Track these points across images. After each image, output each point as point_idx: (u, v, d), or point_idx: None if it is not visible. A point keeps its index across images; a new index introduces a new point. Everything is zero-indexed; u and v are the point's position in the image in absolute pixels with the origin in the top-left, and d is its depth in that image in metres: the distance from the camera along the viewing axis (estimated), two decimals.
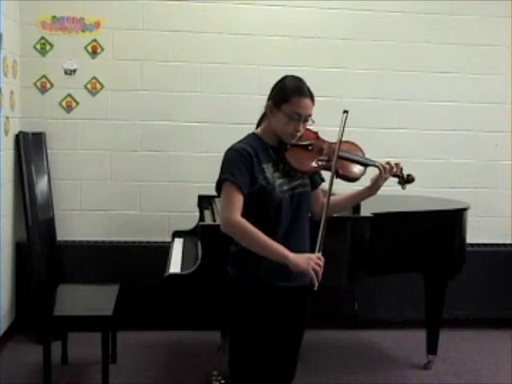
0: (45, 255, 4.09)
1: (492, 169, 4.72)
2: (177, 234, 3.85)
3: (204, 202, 3.93)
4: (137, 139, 4.39)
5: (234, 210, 2.18)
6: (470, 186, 4.69)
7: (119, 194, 4.40)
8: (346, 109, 2.30)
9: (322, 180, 2.49)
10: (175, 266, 3.10)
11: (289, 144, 2.30)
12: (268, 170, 2.26)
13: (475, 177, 4.71)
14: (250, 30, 4.41)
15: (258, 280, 2.26)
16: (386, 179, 2.40)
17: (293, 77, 2.32)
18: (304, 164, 2.31)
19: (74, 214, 4.37)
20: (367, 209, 3.27)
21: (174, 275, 2.95)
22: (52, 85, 4.28)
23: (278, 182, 2.26)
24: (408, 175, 2.51)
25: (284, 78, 2.32)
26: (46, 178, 4.24)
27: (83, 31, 4.28)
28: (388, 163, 2.40)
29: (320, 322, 3.79)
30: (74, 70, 4.29)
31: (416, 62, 4.57)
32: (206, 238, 3.00)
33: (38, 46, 4.25)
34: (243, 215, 2.19)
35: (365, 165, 2.43)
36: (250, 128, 2.43)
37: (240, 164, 2.21)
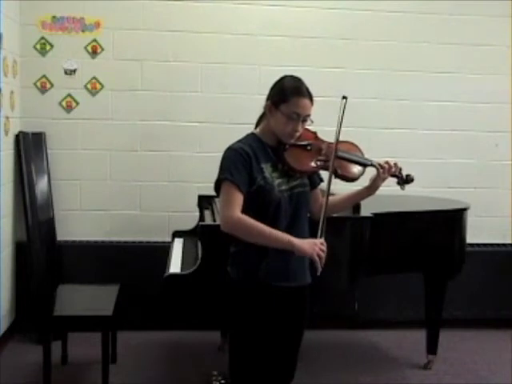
0: (45, 255, 4.09)
1: (492, 169, 4.72)
2: (177, 234, 3.85)
3: (204, 202, 3.93)
4: (137, 139, 4.40)
5: (233, 208, 2.18)
6: (469, 186, 4.69)
7: (119, 194, 4.40)
8: (345, 95, 2.29)
9: (321, 180, 2.49)
10: (175, 266, 3.10)
11: (287, 144, 2.30)
12: (267, 169, 2.26)
13: (475, 177, 4.71)
14: (250, 30, 4.41)
15: (257, 280, 2.26)
16: (384, 179, 2.39)
17: (292, 77, 2.32)
18: (303, 164, 2.31)
19: (74, 214, 4.37)
20: (367, 209, 3.27)
21: (174, 275, 2.95)
22: (52, 85, 4.28)
23: (277, 181, 2.26)
24: (407, 175, 2.51)
25: (283, 78, 2.32)
26: (45, 178, 4.24)
27: (83, 31, 4.28)
28: (387, 163, 2.40)
29: (320, 322, 3.80)
30: (74, 70, 4.29)
31: (416, 62, 4.57)
32: (206, 237, 3.00)
33: (38, 46, 4.25)
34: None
35: (363, 165, 2.43)
36: (250, 128, 2.43)
37: (238, 163, 2.21)
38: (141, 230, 4.41)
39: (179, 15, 4.35)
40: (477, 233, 4.51)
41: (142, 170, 4.41)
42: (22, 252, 4.19)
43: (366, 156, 2.48)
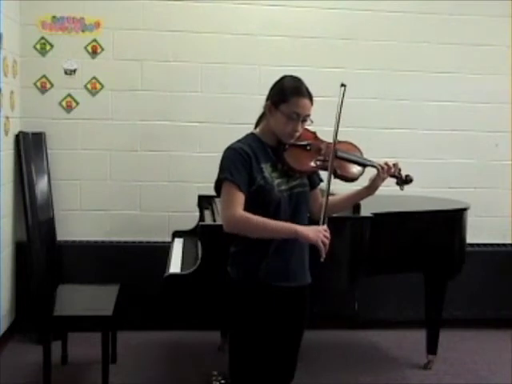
0: (45, 255, 4.09)
1: (492, 169, 4.72)
2: (177, 234, 3.85)
3: (204, 202, 3.93)
4: (137, 139, 4.40)
5: (235, 208, 2.18)
6: (469, 186, 4.69)
7: (119, 194, 4.40)
8: (344, 83, 2.29)
9: (321, 180, 2.49)
10: (175, 266, 3.10)
11: (287, 144, 2.30)
12: (266, 169, 2.26)
13: (475, 177, 4.71)
14: (250, 30, 4.41)
15: (257, 280, 2.26)
16: (384, 179, 2.40)
17: (291, 77, 2.32)
18: (302, 164, 2.31)
19: (74, 214, 4.37)
20: (367, 209, 3.27)
21: (174, 275, 2.95)
22: (52, 85, 4.28)
23: (277, 181, 2.26)
24: (406, 176, 2.51)
25: (283, 78, 2.32)
26: (45, 178, 4.24)
27: (83, 31, 4.28)
28: (386, 163, 2.40)
29: (320, 321, 3.80)
30: (74, 70, 4.29)
31: (416, 62, 4.57)
32: (206, 237, 3.00)
33: (38, 46, 4.25)
34: None
35: (363, 165, 2.43)
36: (250, 128, 2.43)
37: (238, 163, 2.21)
38: (141, 230, 4.41)
39: (179, 15, 4.35)
40: (477, 233, 4.51)
41: (142, 170, 4.41)
42: (22, 252, 4.19)
43: (366, 156, 2.48)
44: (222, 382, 3.30)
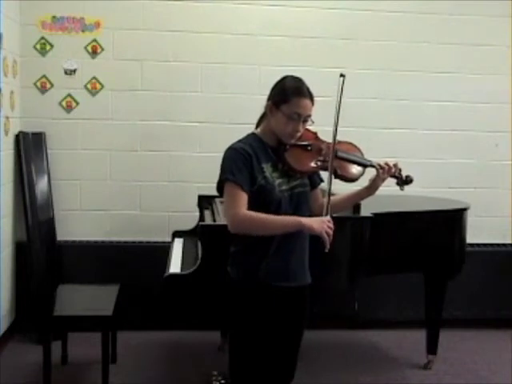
0: (45, 255, 4.09)
1: (492, 169, 4.72)
2: (177, 234, 3.85)
3: (204, 201, 3.93)
4: (137, 139, 4.40)
5: (238, 208, 2.18)
6: (469, 186, 4.69)
7: (119, 194, 4.40)
8: (343, 73, 2.29)
9: (321, 180, 2.49)
10: (175, 266, 3.10)
11: (288, 144, 2.30)
12: (267, 169, 2.26)
13: (475, 177, 4.71)
14: (250, 30, 4.41)
15: (257, 280, 2.26)
16: (383, 180, 2.40)
17: (292, 77, 2.32)
18: (303, 164, 2.32)
19: (74, 214, 4.37)
20: (367, 209, 3.27)
21: (174, 275, 2.95)
22: (52, 85, 4.28)
23: (278, 181, 2.26)
24: (406, 176, 2.51)
25: (284, 79, 2.32)
26: (45, 178, 4.24)
27: (83, 31, 4.28)
28: (386, 164, 2.40)
29: (320, 322, 3.80)
30: (74, 70, 4.29)
31: (416, 62, 4.57)
32: (206, 238, 3.00)
33: (38, 46, 4.25)
34: None
35: (363, 165, 2.43)
36: (250, 128, 2.43)
37: (239, 163, 2.21)
38: (141, 230, 4.41)
39: (179, 15, 4.35)
40: (477, 233, 4.51)
41: (142, 170, 4.41)
42: (22, 252, 4.19)
43: (366, 156, 2.48)
44: (222, 382, 3.30)
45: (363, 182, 2.45)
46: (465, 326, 4.58)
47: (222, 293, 2.40)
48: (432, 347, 3.89)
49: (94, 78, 4.31)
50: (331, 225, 2.18)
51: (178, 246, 3.61)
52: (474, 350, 4.25)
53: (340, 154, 2.38)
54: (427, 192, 4.37)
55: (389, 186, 2.54)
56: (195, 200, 4.03)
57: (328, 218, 2.20)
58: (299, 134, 2.29)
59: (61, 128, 4.31)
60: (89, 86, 4.31)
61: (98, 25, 4.29)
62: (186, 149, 4.43)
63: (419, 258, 3.63)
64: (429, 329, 3.89)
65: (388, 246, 3.46)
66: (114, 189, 4.39)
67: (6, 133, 3.95)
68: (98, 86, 4.32)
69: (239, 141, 2.31)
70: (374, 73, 4.54)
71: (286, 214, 2.26)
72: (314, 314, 2.52)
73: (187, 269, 2.98)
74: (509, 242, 4.77)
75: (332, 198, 2.37)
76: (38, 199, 4.13)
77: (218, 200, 3.72)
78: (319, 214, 2.29)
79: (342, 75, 2.29)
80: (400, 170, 2.49)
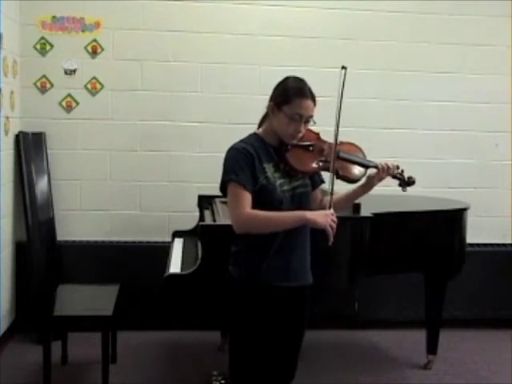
0: (45, 255, 4.09)
1: (492, 169, 4.72)
2: (177, 234, 3.85)
3: (204, 201, 3.93)
4: (137, 139, 4.40)
5: (242, 207, 2.18)
6: (469, 186, 4.69)
7: (119, 194, 4.40)
8: (345, 66, 2.29)
9: (322, 181, 2.49)
10: (175, 266, 3.10)
11: (290, 144, 2.30)
12: (269, 169, 2.26)
13: (475, 177, 4.71)
14: (250, 30, 4.41)
15: (258, 280, 2.26)
16: (380, 179, 2.40)
17: (295, 78, 2.32)
18: (304, 164, 2.31)
19: (74, 214, 4.37)
20: (367, 209, 3.28)
21: (174, 275, 2.95)
22: (52, 85, 4.28)
23: (279, 181, 2.26)
24: (409, 177, 2.51)
25: (286, 79, 2.32)
26: (45, 178, 4.24)
27: (83, 31, 4.28)
28: (386, 164, 2.40)
29: (320, 321, 3.80)
30: (74, 70, 4.29)
31: (416, 62, 4.57)
32: (206, 237, 3.00)
33: (38, 46, 4.25)
34: None
35: (365, 166, 2.42)
36: (251, 128, 2.43)
37: (242, 162, 2.21)
38: (141, 230, 4.41)
39: (179, 15, 4.35)
40: (477, 233, 4.51)
41: (142, 170, 4.41)
42: (22, 252, 4.19)
43: (368, 156, 2.48)
44: (222, 382, 3.31)
45: None
46: (465, 326, 4.58)
47: (222, 293, 2.40)
48: (432, 347, 3.89)
49: (94, 77, 4.31)
50: (335, 218, 2.19)
51: (178, 245, 3.61)
52: (473, 350, 4.25)
53: (342, 154, 2.38)
54: (427, 192, 4.36)
55: (389, 186, 2.54)
56: (195, 200, 4.02)
57: (331, 211, 2.20)
58: (301, 135, 2.29)
59: (61, 128, 4.31)
60: (89, 86, 4.31)
61: (97, 25, 4.29)
62: (186, 149, 4.43)
63: (419, 258, 3.63)
64: (429, 329, 3.89)
65: (388, 246, 3.46)
66: (113, 189, 4.39)
67: (6, 133, 3.95)
68: (98, 85, 4.32)
69: (241, 141, 2.31)
70: (374, 73, 4.54)
71: None
72: (314, 314, 2.52)
73: (187, 269, 2.98)
74: (509, 242, 4.77)
75: (329, 198, 2.37)
76: (38, 199, 4.13)
77: (217, 200, 3.72)
78: None
79: (343, 67, 2.29)
80: (402, 171, 2.49)
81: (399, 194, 2.69)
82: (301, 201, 2.31)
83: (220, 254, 2.47)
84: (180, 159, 4.43)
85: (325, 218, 2.16)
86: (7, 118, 3.95)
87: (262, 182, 2.23)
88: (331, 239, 2.15)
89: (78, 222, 4.38)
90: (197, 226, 3.63)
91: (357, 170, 2.42)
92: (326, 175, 2.36)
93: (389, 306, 4.61)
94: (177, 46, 4.37)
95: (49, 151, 4.28)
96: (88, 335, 3.61)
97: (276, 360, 2.35)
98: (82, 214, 4.38)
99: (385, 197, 3.90)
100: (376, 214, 3.32)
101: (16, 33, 4.16)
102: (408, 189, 2.52)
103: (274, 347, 2.33)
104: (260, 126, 2.41)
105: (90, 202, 4.38)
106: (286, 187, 2.28)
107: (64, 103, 4.30)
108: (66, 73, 4.29)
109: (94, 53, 4.30)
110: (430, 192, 4.40)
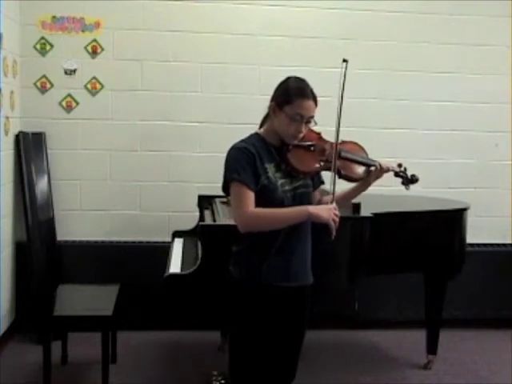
0: (45, 255, 4.09)
1: (492, 169, 4.72)
2: (177, 234, 3.85)
3: (204, 201, 3.93)
4: (137, 139, 4.40)
5: (246, 206, 2.19)
6: (469, 186, 4.69)
7: (119, 194, 4.40)
8: (346, 59, 2.29)
9: (322, 182, 2.49)
10: (175, 266, 3.10)
11: (291, 144, 2.30)
12: (270, 169, 2.26)
13: (475, 177, 4.71)
14: (250, 30, 4.41)
15: (259, 280, 2.26)
16: (377, 177, 2.40)
17: (296, 78, 2.32)
18: (306, 165, 2.31)
19: (74, 214, 4.37)
20: (367, 209, 3.27)
21: (174, 275, 2.95)
22: (52, 85, 4.28)
23: (280, 182, 2.26)
24: (412, 175, 2.51)
25: (287, 79, 2.32)
26: (45, 178, 4.24)
27: (83, 31, 4.28)
28: (385, 164, 2.40)
29: (320, 322, 3.80)
30: (74, 70, 4.29)
31: (416, 62, 4.57)
32: (206, 237, 3.00)
33: (38, 46, 4.25)
34: None
35: (367, 165, 2.42)
36: (251, 128, 2.43)
37: (243, 162, 2.21)
38: (141, 230, 4.41)
39: (179, 15, 4.35)
40: (477, 233, 4.51)
41: (142, 170, 4.41)
42: (22, 252, 4.19)
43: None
44: (222, 382, 3.31)
45: None
46: (465, 326, 4.58)
47: (222, 293, 2.40)
48: (432, 347, 3.89)
49: (94, 78, 4.31)
50: (337, 212, 2.20)
51: (178, 245, 3.61)
52: (474, 350, 4.25)
53: (344, 154, 2.38)
54: (427, 192, 4.36)
55: (389, 186, 2.54)
56: (195, 200, 4.02)
57: (334, 205, 2.21)
58: (302, 135, 2.29)
59: (61, 128, 4.31)
60: (89, 86, 4.31)
61: (97, 25, 4.29)
62: (186, 149, 4.43)
63: (419, 258, 3.63)
64: (429, 329, 3.89)
65: (388, 246, 3.46)
66: (114, 189, 4.39)
67: (6, 133, 3.95)
68: (98, 85, 4.32)
69: (242, 140, 2.31)
70: (374, 73, 4.54)
71: None
72: (314, 314, 2.52)
73: (187, 269, 2.98)
74: (509, 241, 4.77)
75: (328, 197, 2.37)
76: (38, 199, 4.13)
77: (217, 200, 3.72)
78: None
79: (344, 60, 2.29)
80: (405, 169, 2.49)
81: (399, 194, 2.70)
82: (302, 201, 2.30)
83: (220, 254, 2.47)
84: (180, 159, 4.43)
85: (327, 212, 2.17)
86: (7, 118, 3.95)
87: (264, 181, 2.23)
88: (334, 233, 2.16)
89: (78, 222, 4.38)
90: (197, 226, 3.63)
91: (359, 169, 2.42)
92: (327, 175, 2.36)
93: (389, 306, 4.61)
94: (177, 45, 4.37)
95: (49, 151, 4.28)
96: (88, 335, 3.61)
97: (276, 360, 2.35)
98: (82, 214, 4.38)
99: (385, 197, 3.90)
100: (376, 214, 3.32)
101: (16, 33, 4.16)
102: (411, 187, 2.52)
103: (274, 347, 2.33)
104: (261, 125, 2.41)
105: (90, 202, 4.38)
106: (287, 187, 2.28)
107: (64, 103, 4.30)
108: (66, 73, 4.29)
109: (94, 53, 4.30)
110: (429, 192, 4.40)
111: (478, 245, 4.66)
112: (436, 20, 4.56)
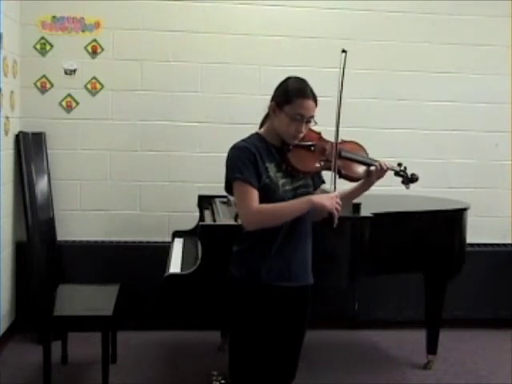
0: (45, 255, 4.09)
1: (492, 169, 4.73)
2: (177, 234, 3.85)
3: (204, 202, 3.92)
4: (137, 139, 4.40)
5: (250, 204, 2.19)
6: (469, 186, 4.69)
7: (119, 194, 4.40)
8: (345, 49, 2.29)
9: (323, 182, 2.49)
10: (175, 266, 3.10)
11: (291, 144, 2.30)
12: (271, 169, 2.26)
13: (475, 177, 4.71)
14: (250, 30, 4.41)
15: (259, 280, 2.26)
16: (379, 177, 2.39)
17: (296, 78, 2.32)
18: (306, 164, 2.31)
19: (74, 214, 4.37)
20: (367, 209, 3.27)
21: (174, 275, 2.95)
22: (52, 85, 4.28)
23: (281, 181, 2.27)
24: (412, 174, 2.51)
25: (287, 79, 2.32)
26: (45, 178, 4.24)
27: (83, 31, 4.28)
28: (385, 163, 2.40)
29: (320, 321, 3.79)
30: (74, 70, 4.29)
31: (416, 62, 4.57)
32: (205, 237, 3.00)
33: (38, 46, 4.25)
34: None
35: (368, 165, 2.42)
36: (251, 128, 2.43)
37: (245, 160, 2.21)
38: (141, 230, 4.41)
39: (179, 15, 4.35)
40: (477, 233, 4.51)
41: (142, 170, 4.41)
42: (22, 252, 4.19)
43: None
44: (222, 382, 3.31)
45: None
46: (465, 326, 4.58)
47: (222, 293, 2.40)
48: (432, 347, 3.89)
49: (94, 78, 4.31)
50: (339, 200, 2.20)
51: (178, 245, 3.61)
52: (473, 350, 4.25)
53: (344, 153, 2.38)
54: (427, 192, 4.36)
55: (389, 186, 2.54)
56: (195, 200, 4.02)
57: (336, 193, 2.22)
58: (302, 135, 2.29)
59: (61, 128, 4.31)
60: (89, 86, 4.31)
61: (98, 25, 4.29)
62: (186, 149, 4.43)
63: (419, 258, 3.63)
64: (429, 329, 3.89)
65: (388, 246, 3.46)
66: (113, 189, 4.39)
67: (6, 133, 3.95)
68: (98, 85, 4.32)
69: (243, 140, 2.31)
70: (374, 73, 4.54)
71: None
72: (314, 314, 2.52)
73: (187, 269, 2.98)
74: (509, 241, 4.77)
75: None
76: (38, 199, 4.13)
77: (217, 200, 3.72)
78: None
79: (343, 51, 2.29)
80: (405, 168, 2.49)
81: (399, 194, 2.69)
82: None
83: (220, 254, 2.47)
84: (180, 159, 4.43)
85: (330, 200, 2.18)
86: (7, 118, 3.95)
87: (265, 181, 2.23)
88: (336, 221, 2.17)
89: (78, 222, 4.38)
90: (197, 226, 3.63)
91: (360, 168, 2.42)
92: (328, 174, 2.36)
93: (389, 306, 4.61)
94: (177, 45, 4.37)
95: (49, 151, 4.28)
96: (88, 335, 3.61)
97: (276, 360, 2.35)
98: (82, 214, 4.38)
99: (385, 197, 3.90)
100: (376, 214, 3.32)
101: (16, 33, 4.16)
102: (411, 186, 2.52)
103: (274, 347, 2.33)
104: (262, 125, 2.41)
105: (89, 202, 4.38)
106: (288, 187, 2.28)
107: (64, 103, 4.30)
108: (66, 73, 4.29)
109: (93, 53, 4.30)
110: (429, 192, 4.40)
111: (478, 245, 4.66)
112: (436, 20, 4.56)
